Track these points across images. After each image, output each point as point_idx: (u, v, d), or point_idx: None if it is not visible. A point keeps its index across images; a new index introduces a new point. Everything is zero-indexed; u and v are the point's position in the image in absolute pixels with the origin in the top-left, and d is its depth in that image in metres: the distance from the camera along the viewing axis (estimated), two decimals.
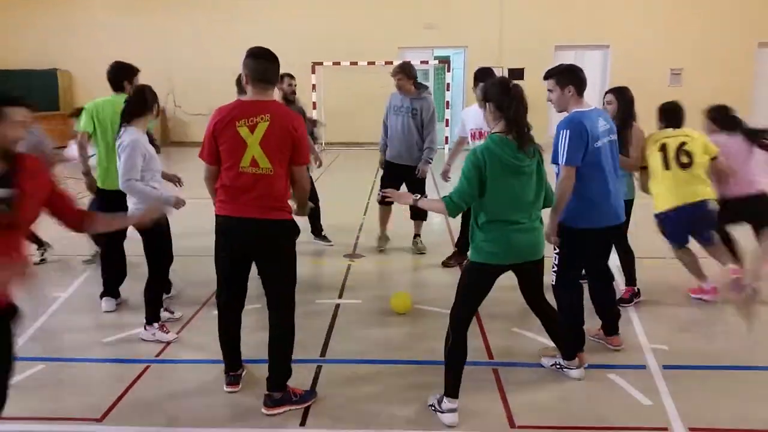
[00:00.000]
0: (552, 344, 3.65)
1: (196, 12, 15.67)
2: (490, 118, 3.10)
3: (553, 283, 3.69)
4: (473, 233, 3.12)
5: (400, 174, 5.95)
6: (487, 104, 3.10)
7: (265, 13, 15.53)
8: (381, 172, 6.24)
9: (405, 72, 5.81)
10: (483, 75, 5.02)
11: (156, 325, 4.06)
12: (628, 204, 4.47)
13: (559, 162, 3.44)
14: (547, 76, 3.62)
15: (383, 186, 6.09)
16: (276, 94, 3.41)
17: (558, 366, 3.60)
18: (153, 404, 3.35)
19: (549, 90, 3.61)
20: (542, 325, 3.55)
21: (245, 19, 15.42)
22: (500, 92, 3.04)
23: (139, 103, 3.94)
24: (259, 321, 3.85)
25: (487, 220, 3.05)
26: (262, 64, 3.13)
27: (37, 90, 16.02)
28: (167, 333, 4.05)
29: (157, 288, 4.14)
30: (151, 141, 4.14)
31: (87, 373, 3.75)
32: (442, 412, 3.14)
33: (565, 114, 3.58)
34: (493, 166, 2.97)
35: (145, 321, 4.08)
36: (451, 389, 3.14)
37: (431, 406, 3.21)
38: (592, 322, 3.91)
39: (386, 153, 6.05)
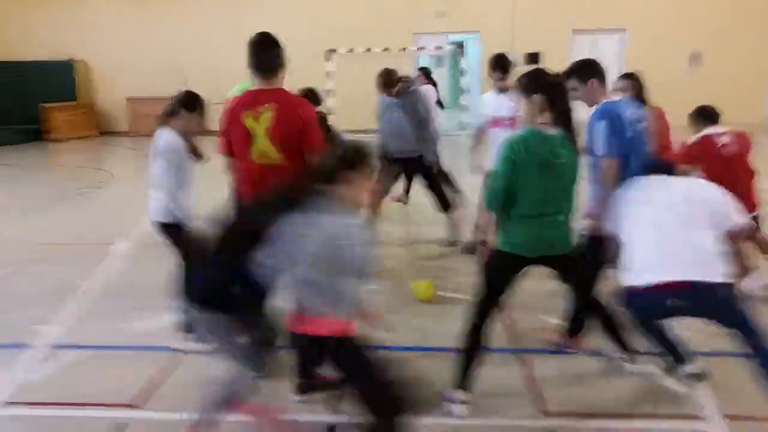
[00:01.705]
0: (552, 323, 3.73)
1: (209, 1, 15.64)
2: (535, 110, 2.98)
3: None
4: (503, 223, 3.08)
5: (399, 165, 6.04)
6: (533, 96, 2.98)
7: (278, 2, 15.48)
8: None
9: (386, 85, 5.80)
10: (505, 62, 4.92)
11: None
12: None
13: (600, 153, 3.37)
14: (566, 75, 3.57)
15: (383, 181, 5.98)
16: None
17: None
18: (185, 391, 3.38)
19: (573, 89, 3.53)
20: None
21: (257, 8, 15.38)
22: (551, 85, 2.98)
23: (175, 104, 3.81)
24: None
25: (516, 212, 3.01)
26: (256, 54, 3.10)
27: (53, 81, 16.13)
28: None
29: None
30: (194, 149, 3.93)
31: (120, 360, 3.79)
32: (452, 403, 3.12)
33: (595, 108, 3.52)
34: (527, 158, 2.92)
35: None
36: (463, 382, 3.12)
37: (442, 396, 3.20)
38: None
39: (383, 149, 6.05)
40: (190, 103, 3.80)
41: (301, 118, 3.07)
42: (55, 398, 3.35)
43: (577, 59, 3.66)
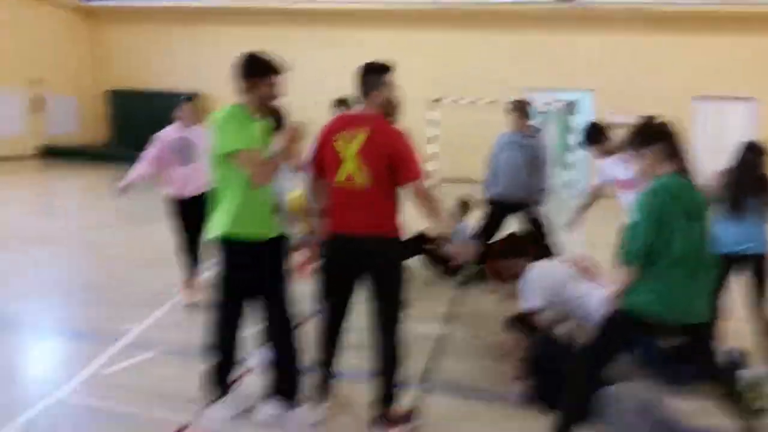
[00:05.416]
0: None
1: (323, 51, 16.18)
2: (655, 160, 2.80)
3: None
4: (636, 281, 2.76)
5: (506, 211, 5.79)
6: (652, 146, 2.81)
7: (386, 48, 15.94)
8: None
9: (521, 109, 5.73)
10: (598, 134, 4.84)
11: None
12: None
13: None
14: None
15: (487, 226, 5.75)
16: None
17: None
18: (251, 394, 3.35)
19: None
20: None
21: (360, 46, 15.93)
22: (666, 133, 2.84)
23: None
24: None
25: (655, 269, 2.71)
26: (361, 76, 3.13)
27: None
28: None
29: None
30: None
31: (193, 363, 3.84)
32: None
33: None
34: (674, 206, 2.70)
35: None
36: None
37: None
38: None
39: (491, 191, 5.84)
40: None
41: (393, 146, 3.00)
42: (121, 394, 3.45)
43: None
